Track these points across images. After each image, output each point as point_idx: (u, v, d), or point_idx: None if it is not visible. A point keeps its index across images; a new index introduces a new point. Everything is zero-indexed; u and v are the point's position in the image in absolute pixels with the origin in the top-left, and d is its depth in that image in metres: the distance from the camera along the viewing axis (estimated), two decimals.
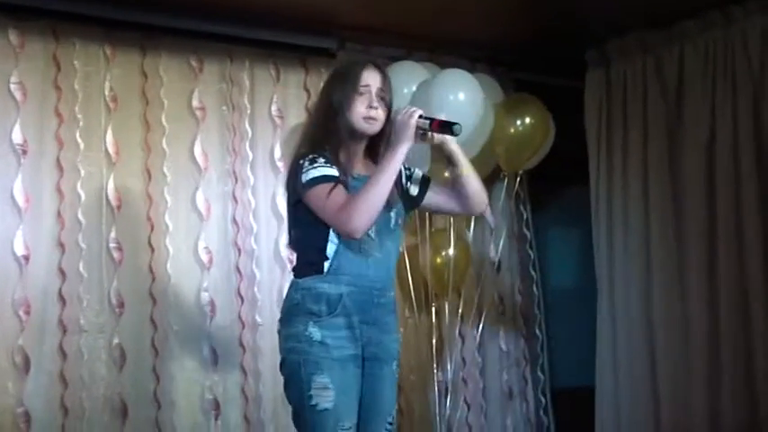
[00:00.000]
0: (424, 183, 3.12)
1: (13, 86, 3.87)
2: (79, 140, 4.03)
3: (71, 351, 3.91)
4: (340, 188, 2.76)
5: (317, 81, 4.67)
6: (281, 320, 2.90)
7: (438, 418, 4.68)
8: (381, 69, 2.95)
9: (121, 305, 4.05)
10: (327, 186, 2.75)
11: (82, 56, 4.07)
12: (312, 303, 2.80)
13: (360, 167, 2.91)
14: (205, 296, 4.25)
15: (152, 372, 4.09)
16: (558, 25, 4.65)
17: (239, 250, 4.37)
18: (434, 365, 4.75)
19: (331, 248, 2.82)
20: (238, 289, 4.35)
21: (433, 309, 4.83)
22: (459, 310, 4.87)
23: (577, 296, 5.17)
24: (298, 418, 2.84)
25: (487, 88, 4.55)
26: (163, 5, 4.07)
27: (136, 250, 4.12)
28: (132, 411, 4.02)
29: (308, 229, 2.85)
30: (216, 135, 4.38)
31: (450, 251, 4.72)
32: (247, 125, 4.47)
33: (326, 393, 2.74)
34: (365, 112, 2.86)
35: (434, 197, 3.12)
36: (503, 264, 5.21)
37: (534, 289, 5.34)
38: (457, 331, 4.90)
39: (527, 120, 4.66)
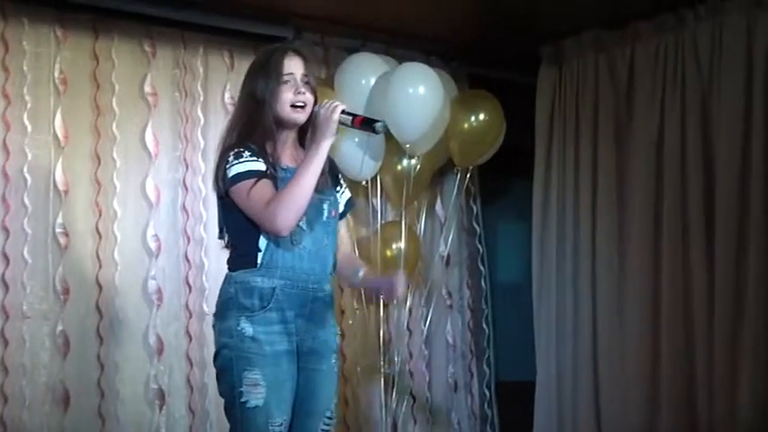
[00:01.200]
0: (348, 205, 3.07)
1: None
2: (27, 123, 3.95)
3: (13, 337, 3.84)
4: (265, 183, 2.72)
5: None
6: (215, 314, 2.84)
7: (384, 411, 4.70)
8: (303, 54, 2.91)
9: (66, 292, 3.99)
10: (251, 182, 2.71)
11: (32, 37, 3.99)
12: (244, 298, 2.75)
13: (289, 158, 2.87)
14: (152, 284, 4.21)
15: (96, 360, 4.04)
16: (513, 21, 4.67)
17: (188, 238, 4.34)
18: (381, 358, 4.76)
19: (263, 241, 2.77)
20: (186, 277, 4.32)
21: (382, 301, 4.83)
22: (408, 304, 4.89)
23: (524, 291, 5.22)
24: (228, 412, 2.79)
25: (441, 82, 4.55)
26: None
27: (83, 236, 4.06)
28: (75, 400, 3.96)
29: (239, 222, 2.78)
30: (167, 121, 4.33)
31: (401, 244, 4.72)
32: (200, 112, 4.43)
33: (257, 390, 2.70)
34: (293, 99, 2.81)
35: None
36: (452, 257, 5.24)
37: (482, 283, 5.37)
38: (405, 324, 4.91)
39: (481, 116, 4.68)
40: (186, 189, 4.35)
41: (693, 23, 4.36)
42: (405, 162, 4.69)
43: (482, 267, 5.39)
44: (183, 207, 4.34)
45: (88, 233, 4.08)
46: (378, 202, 4.79)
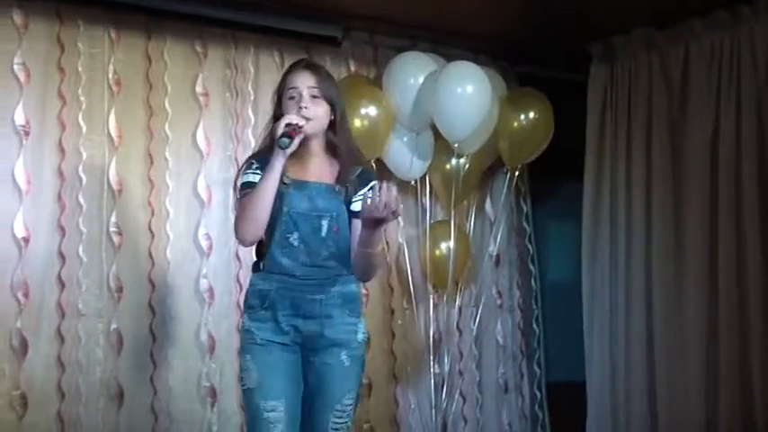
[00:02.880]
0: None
1: (16, 67, 3.84)
2: (81, 123, 4.00)
3: (69, 335, 3.90)
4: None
5: None
6: None
7: (434, 411, 4.68)
8: (312, 68, 3.01)
9: (120, 290, 4.04)
10: (246, 192, 2.92)
11: (86, 38, 4.04)
12: (251, 298, 2.99)
13: (302, 171, 2.96)
14: (204, 282, 4.24)
15: (149, 357, 4.09)
16: (563, 19, 4.63)
17: None
18: (431, 358, 4.75)
19: (266, 247, 2.95)
20: (237, 276, 4.34)
21: (431, 301, 4.83)
22: (458, 303, 4.87)
23: (572, 290, 5.17)
24: None
25: (490, 81, 4.53)
26: None
27: (136, 235, 4.10)
28: (128, 396, 4.02)
29: None
30: (219, 121, 4.37)
31: (451, 244, 4.70)
32: (250, 112, 4.45)
33: (250, 374, 2.91)
34: (288, 118, 2.88)
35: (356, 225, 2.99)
36: (502, 257, 5.21)
37: (533, 283, 5.34)
38: (455, 324, 4.89)
39: (531, 114, 4.65)
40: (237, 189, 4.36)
41: (749, 20, 4.28)
42: (453, 161, 4.67)
43: (532, 267, 5.35)
44: (234, 206, 4.35)
45: (141, 232, 4.13)
46: (427, 201, 4.78)
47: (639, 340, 4.66)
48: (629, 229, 4.77)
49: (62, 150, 3.94)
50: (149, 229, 4.14)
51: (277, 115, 2.96)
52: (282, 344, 2.93)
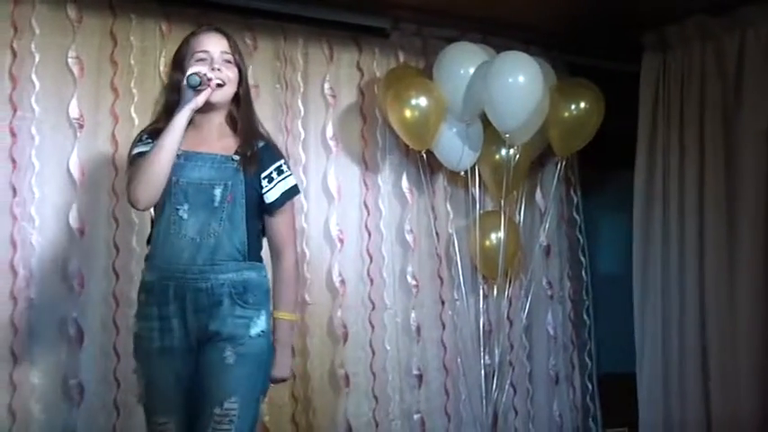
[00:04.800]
0: (288, 194, 2.92)
1: (71, 61, 3.88)
2: (134, 115, 4.01)
3: (123, 324, 3.89)
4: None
5: (370, 60, 4.67)
6: None
7: (484, 402, 4.67)
8: (223, 32, 2.84)
9: None
10: (136, 162, 2.71)
11: (138, 31, 4.06)
12: (138, 293, 2.77)
13: (193, 142, 2.76)
14: None
15: None
16: (614, 8, 4.58)
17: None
18: (481, 349, 4.73)
19: (152, 234, 2.76)
20: None
21: (481, 292, 4.81)
22: (508, 294, 4.85)
23: (621, 281, 5.13)
24: None
25: (541, 71, 4.49)
26: None
27: None
28: None
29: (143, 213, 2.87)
30: (269, 113, 4.35)
31: (500, 234, 4.68)
32: (300, 103, 4.46)
33: (140, 386, 2.74)
34: (209, 76, 2.71)
35: (271, 223, 2.91)
36: (552, 248, 5.18)
37: (583, 274, 5.29)
38: (505, 315, 4.87)
39: (582, 104, 4.59)
40: None
41: None
42: (503, 151, 4.65)
43: (583, 258, 5.30)
44: (293, 205, 4.35)
45: None
46: (476, 191, 4.76)
47: (692, 331, 4.61)
48: (680, 221, 4.71)
49: (115, 142, 3.97)
50: None
51: (175, 82, 2.76)
52: (170, 348, 2.67)
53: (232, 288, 2.72)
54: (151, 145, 2.68)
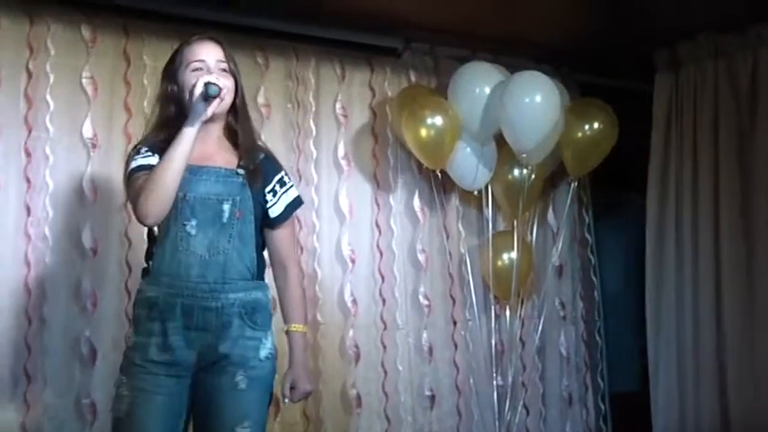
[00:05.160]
0: (292, 207, 2.86)
1: (84, 81, 3.90)
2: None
3: None
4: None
5: (382, 80, 4.68)
6: None
7: (497, 423, 4.64)
8: (217, 40, 2.75)
9: None
10: (137, 177, 2.59)
11: (151, 51, 4.08)
12: (137, 307, 2.66)
13: (200, 156, 2.65)
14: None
15: None
16: (625, 26, 4.58)
17: (301, 248, 4.34)
18: (494, 369, 4.71)
19: (155, 248, 2.65)
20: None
21: (494, 312, 4.79)
22: (520, 314, 4.82)
23: (627, 300, 5.11)
24: None
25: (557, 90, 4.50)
26: (231, 3, 4.08)
27: None
28: None
29: (142, 227, 2.73)
30: (280, 132, 4.38)
31: (513, 254, 4.66)
32: (312, 123, 4.47)
33: (121, 401, 2.57)
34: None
35: (276, 236, 2.85)
36: (564, 268, 5.16)
37: (595, 294, 5.26)
38: (518, 335, 4.84)
39: (595, 125, 4.59)
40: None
41: None
42: (517, 171, 4.65)
43: (594, 278, 5.28)
44: (297, 217, 4.35)
45: None
46: (489, 211, 4.75)
47: (708, 353, 4.55)
48: (694, 241, 4.67)
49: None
50: None
51: (170, 94, 2.68)
52: (168, 364, 2.56)
53: (242, 308, 2.65)
54: (151, 158, 2.61)
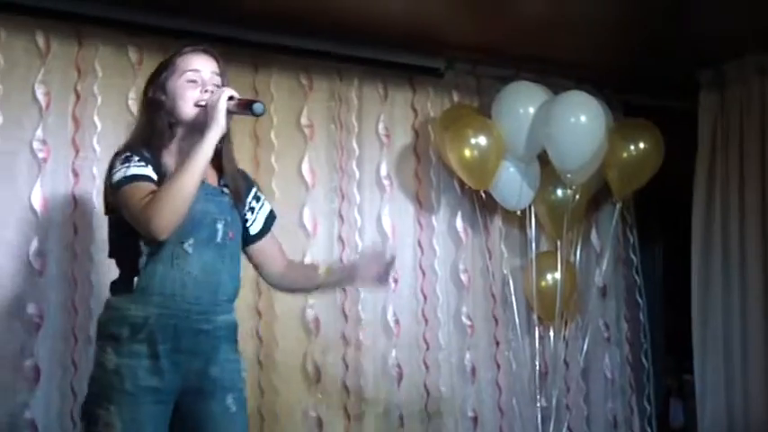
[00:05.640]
0: (270, 220, 2.80)
1: (131, 102, 3.94)
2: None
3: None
4: (149, 187, 2.42)
5: (425, 100, 4.69)
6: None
7: None
8: (212, 53, 2.64)
9: None
10: (137, 186, 2.41)
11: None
12: (115, 326, 2.44)
13: None
14: (310, 313, 4.25)
15: (257, 386, 4.09)
16: (668, 45, 4.54)
17: None
18: (537, 391, 4.66)
19: (142, 262, 2.45)
20: (343, 307, 4.34)
21: (537, 333, 4.75)
22: (564, 335, 4.78)
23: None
24: None
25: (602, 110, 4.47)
26: (275, 24, 4.11)
27: (244, 264, 4.11)
28: None
29: (120, 239, 2.51)
30: (323, 152, 4.41)
31: (557, 275, 4.63)
32: (355, 143, 4.48)
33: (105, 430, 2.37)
34: (197, 97, 2.52)
35: (263, 250, 2.79)
36: (608, 289, 5.10)
37: (640, 316, 5.19)
38: (561, 357, 4.80)
39: (641, 145, 4.55)
40: (342, 220, 4.40)
41: None
42: (560, 191, 4.62)
43: (640, 299, 5.21)
44: (340, 237, 4.39)
45: (247, 262, 4.09)
46: (532, 231, 4.72)
47: (757, 383, 4.46)
48: (742, 264, 4.60)
49: None
50: None
51: (158, 101, 2.53)
52: (155, 390, 2.40)
53: (227, 330, 2.58)
54: (145, 168, 2.44)
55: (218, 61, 2.63)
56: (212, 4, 3.87)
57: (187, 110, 2.53)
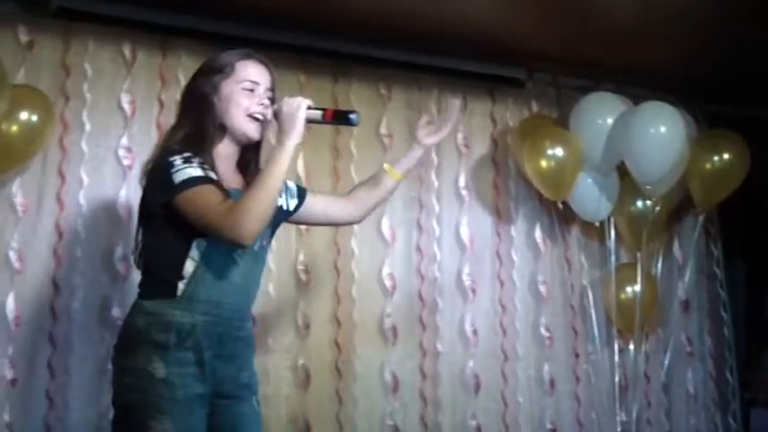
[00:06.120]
0: (301, 194, 2.79)
1: None
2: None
3: (259, 369, 3.92)
4: (220, 192, 2.36)
5: (504, 110, 4.68)
6: (117, 348, 2.46)
7: None
8: (271, 70, 2.60)
9: (307, 327, 4.10)
10: (209, 189, 2.34)
11: (278, 82, 4.14)
12: (158, 333, 2.36)
13: (234, 178, 2.52)
14: (388, 322, 4.25)
15: (335, 394, 4.12)
16: (753, 54, 4.43)
17: (422, 278, 4.37)
18: (617, 405, 4.58)
19: (189, 268, 2.40)
20: (420, 316, 4.34)
21: (617, 346, 4.68)
22: (644, 349, 4.69)
23: None
24: None
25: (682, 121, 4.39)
26: (355, 33, 4.14)
27: (323, 273, 4.17)
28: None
29: (165, 242, 2.43)
30: None
31: (637, 287, 4.56)
32: (433, 153, 4.48)
33: None
34: (252, 108, 2.50)
35: (317, 204, 2.82)
36: (691, 303, 5.00)
37: (725, 331, 5.07)
38: (642, 370, 4.71)
39: (725, 156, 4.47)
40: (420, 229, 4.41)
41: None
42: (640, 203, 4.55)
43: (724, 314, 5.09)
44: (418, 247, 4.39)
45: (327, 270, 4.19)
46: (611, 243, 4.65)
47: None
48: None
49: None
50: (335, 267, 4.20)
51: (209, 101, 2.48)
52: (202, 395, 2.39)
53: (252, 337, 2.60)
54: (209, 171, 2.39)
55: (273, 76, 2.61)
56: (293, 14, 3.90)
57: (239, 118, 2.50)
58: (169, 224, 2.40)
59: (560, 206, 4.53)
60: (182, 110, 2.57)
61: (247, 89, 2.50)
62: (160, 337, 2.36)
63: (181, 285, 2.39)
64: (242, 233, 2.30)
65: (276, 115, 2.49)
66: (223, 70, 2.52)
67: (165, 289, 2.40)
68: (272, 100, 2.56)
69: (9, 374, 3.52)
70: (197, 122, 2.48)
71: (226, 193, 2.37)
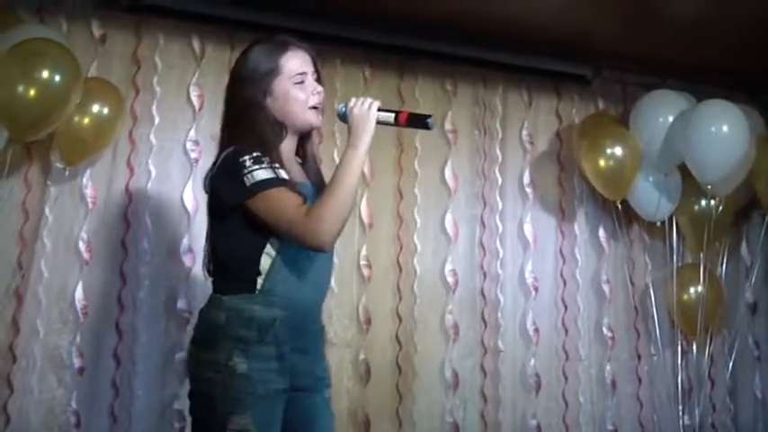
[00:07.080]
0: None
1: None
2: (336, 158, 4.05)
3: None
4: (297, 194, 2.36)
5: (569, 107, 4.63)
6: (195, 342, 2.47)
7: None
8: (311, 53, 2.56)
9: (368, 321, 4.11)
10: (285, 191, 2.35)
11: (343, 76, 4.17)
12: (239, 327, 2.36)
13: (298, 171, 2.53)
14: (449, 318, 4.25)
15: (395, 389, 4.13)
16: None
17: (485, 274, 4.36)
18: (680, 408, 4.52)
19: (265, 263, 2.40)
20: (482, 313, 4.33)
21: (680, 347, 4.62)
22: (709, 351, 4.62)
23: None
24: None
25: (747, 119, 4.30)
26: (421, 29, 4.12)
27: (385, 268, 4.18)
28: (375, 427, 4.06)
29: (241, 240, 2.42)
30: (466, 158, 4.41)
31: (700, 288, 4.49)
32: (498, 149, 4.46)
33: None
34: (310, 100, 2.50)
35: None
36: (759, 305, 4.91)
37: None
38: (706, 373, 4.64)
39: None
40: (484, 225, 4.39)
41: None
42: (703, 202, 4.48)
43: None
44: (481, 243, 4.38)
45: (390, 266, 4.20)
46: (674, 243, 4.59)
47: None
48: None
49: None
50: (398, 263, 4.21)
51: (261, 103, 2.46)
52: (283, 390, 2.40)
53: (323, 330, 2.61)
54: (281, 171, 2.38)
55: (313, 58, 2.57)
56: (359, 9, 3.90)
57: (301, 112, 2.50)
58: (244, 224, 2.40)
59: (619, 206, 4.47)
60: (234, 118, 2.51)
61: (298, 82, 2.49)
62: (242, 332, 2.36)
63: (259, 281, 2.40)
64: (321, 240, 2.32)
65: (344, 117, 2.48)
66: (271, 72, 2.49)
67: (244, 285, 2.41)
68: (319, 80, 2.55)
69: (77, 363, 3.59)
70: (257, 125, 2.45)
71: (298, 192, 2.37)
